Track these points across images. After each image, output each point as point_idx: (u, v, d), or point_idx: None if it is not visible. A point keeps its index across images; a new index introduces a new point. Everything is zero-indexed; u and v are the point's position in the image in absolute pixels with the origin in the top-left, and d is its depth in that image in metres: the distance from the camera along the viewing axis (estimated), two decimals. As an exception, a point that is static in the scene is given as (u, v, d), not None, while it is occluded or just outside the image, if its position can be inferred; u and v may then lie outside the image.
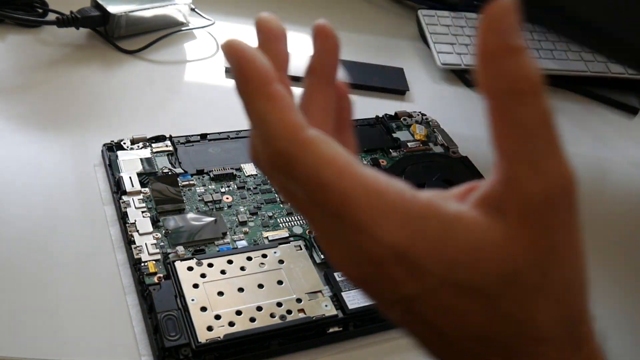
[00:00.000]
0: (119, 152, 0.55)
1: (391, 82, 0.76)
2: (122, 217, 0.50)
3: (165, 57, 0.71)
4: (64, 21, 0.67)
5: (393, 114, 0.65)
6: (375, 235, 0.22)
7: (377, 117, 0.64)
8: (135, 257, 0.47)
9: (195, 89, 0.68)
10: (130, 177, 0.53)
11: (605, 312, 0.55)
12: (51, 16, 0.69)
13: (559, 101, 0.81)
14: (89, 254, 0.49)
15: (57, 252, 0.48)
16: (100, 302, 0.46)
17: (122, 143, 0.56)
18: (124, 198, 0.51)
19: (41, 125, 0.59)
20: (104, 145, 0.56)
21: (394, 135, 0.64)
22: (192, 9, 0.76)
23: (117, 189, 0.52)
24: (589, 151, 0.74)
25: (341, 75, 0.28)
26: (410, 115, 0.65)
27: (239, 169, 0.56)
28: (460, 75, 0.80)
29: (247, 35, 0.78)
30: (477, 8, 0.88)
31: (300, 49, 0.82)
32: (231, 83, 0.75)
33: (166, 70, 0.69)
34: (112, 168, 0.54)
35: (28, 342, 0.43)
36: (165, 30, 0.74)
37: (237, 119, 0.66)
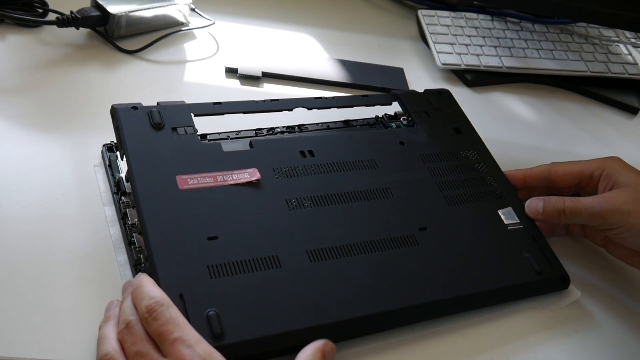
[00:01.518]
0: (119, 153, 0.55)
1: (391, 82, 0.76)
2: (122, 217, 0.50)
3: (165, 57, 0.71)
4: (64, 21, 0.67)
5: (393, 114, 0.65)
6: None
7: (376, 117, 0.64)
8: (135, 257, 0.47)
9: (195, 89, 0.68)
10: (130, 177, 0.53)
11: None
12: (51, 16, 0.69)
13: (559, 101, 0.81)
14: (89, 254, 0.49)
15: (57, 252, 0.48)
16: (101, 302, 0.46)
17: None
18: (124, 198, 0.51)
19: (41, 125, 0.59)
20: (104, 145, 0.56)
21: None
22: (192, 9, 0.76)
23: (117, 189, 0.52)
24: (589, 151, 0.74)
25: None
26: (409, 115, 0.65)
27: None
28: (460, 75, 0.80)
29: (246, 34, 0.78)
30: (477, 8, 0.88)
31: (299, 49, 0.82)
32: (231, 83, 0.76)
33: (166, 70, 0.69)
34: (112, 168, 0.54)
35: (28, 342, 0.43)
36: (165, 30, 0.74)
37: (236, 118, 0.65)
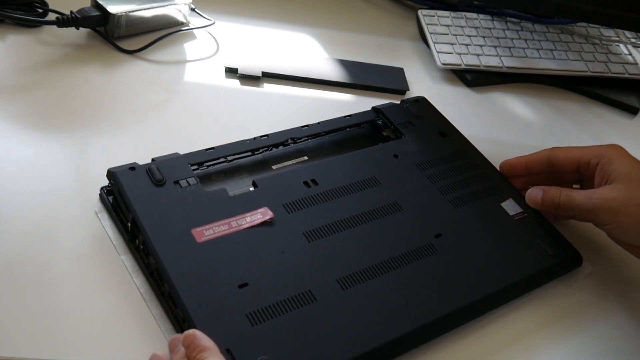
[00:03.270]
0: (123, 214, 0.51)
1: (391, 82, 0.76)
2: (147, 266, 0.49)
3: (165, 57, 0.71)
4: (64, 21, 0.67)
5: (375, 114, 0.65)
6: None
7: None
8: (175, 313, 0.46)
9: (195, 89, 0.68)
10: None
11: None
12: (51, 16, 0.69)
13: (559, 101, 0.81)
14: (89, 253, 0.49)
15: (57, 252, 0.49)
16: (100, 302, 0.46)
17: None
18: (142, 246, 0.49)
19: (41, 125, 0.59)
20: (102, 189, 0.53)
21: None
22: (192, 9, 0.76)
23: (133, 236, 0.50)
24: (589, 151, 0.74)
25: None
26: (395, 128, 0.65)
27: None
28: (459, 75, 0.80)
29: (246, 34, 0.78)
30: (477, 8, 0.88)
31: (299, 49, 0.82)
32: (231, 83, 0.76)
33: (166, 70, 0.69)
34: (118, 213, 0.52)
35: (28, 342, 0.43)
36: (165, 30, 0.74)
37: (236, 118, 0.65)
